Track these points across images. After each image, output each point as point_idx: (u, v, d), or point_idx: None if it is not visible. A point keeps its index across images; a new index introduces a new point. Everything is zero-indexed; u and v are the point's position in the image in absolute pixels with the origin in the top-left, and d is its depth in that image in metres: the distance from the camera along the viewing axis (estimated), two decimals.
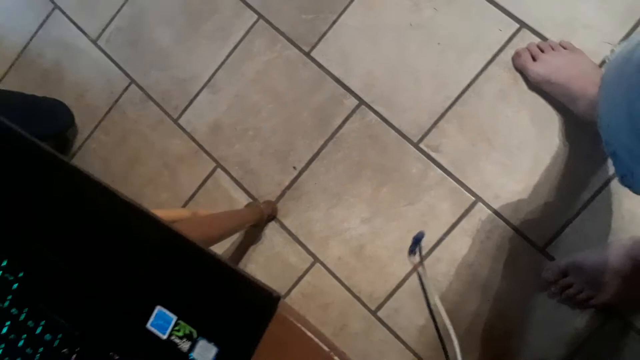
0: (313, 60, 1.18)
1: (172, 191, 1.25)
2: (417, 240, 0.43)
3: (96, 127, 1.33)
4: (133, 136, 1.29)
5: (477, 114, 1.08)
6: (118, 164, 1.30)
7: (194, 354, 0.41)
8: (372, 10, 1.15)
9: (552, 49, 1.02)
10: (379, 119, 1.13)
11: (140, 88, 1.30)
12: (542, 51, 1.03)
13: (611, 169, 1.00)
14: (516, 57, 1.06)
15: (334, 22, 1.17)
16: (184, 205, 1.24)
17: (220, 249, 1.20)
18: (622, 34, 1.01)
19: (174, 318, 0.42)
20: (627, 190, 0.97)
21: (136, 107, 1.30)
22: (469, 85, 1.09)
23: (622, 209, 0.98)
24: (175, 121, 1.27)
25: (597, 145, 1.00)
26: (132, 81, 1.31)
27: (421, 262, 0.44)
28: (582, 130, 1.01)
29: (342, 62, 1.16)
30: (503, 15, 1.07)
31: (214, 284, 0.43)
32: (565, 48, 1.02)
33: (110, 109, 1.32)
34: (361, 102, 1.14)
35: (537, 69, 1.01)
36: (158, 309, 0.43)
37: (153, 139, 1.28)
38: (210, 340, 0.41)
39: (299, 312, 0.42)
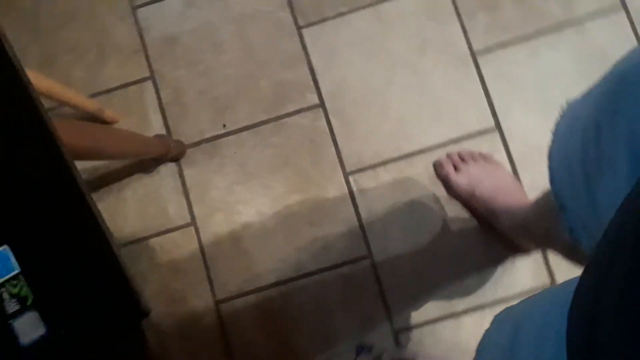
0: (301, 37, 1.10)
1: (91, 74, 1.11)
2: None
3: None
4: None
5: (412, 180, 1.06)
6: (50, 13, 1.13)
7: (15, 323, 0.33)
8: (382, 26, 1.09)
9: (473, 159, 1.02)
10: (328, 130, 1.07)
11: None
12: (463, 161, 1.02)
13: None
14: (439, 167, 1.04)
15: (341, 14, 1.10)
16: (97, 95, 1.10)
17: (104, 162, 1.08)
18: None
19: (17, 269, 0.34)
20: None
21: None
22: (422, 151, 1.06)
23: None
24: (133, 8, 1.13)
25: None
26: None
27: None
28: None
29: (326, 56, 1.10)
30: (487, 107, 1.06)
31: (85, 259, 0.35)
32: (485, 159, 1.03)
33: None
34: (322, 104, 1.08)
35: (460, 181, 1.01)
36: (3, 248, 0.35)
37: (100, 12, 1.13)
38: (43, 317, 0.33)
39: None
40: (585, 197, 0.54)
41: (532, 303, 0.54)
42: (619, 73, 0.47)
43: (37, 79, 0.86)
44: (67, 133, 0.71)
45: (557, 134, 0.62)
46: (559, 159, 0.61)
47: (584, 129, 0.53)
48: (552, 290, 0.50)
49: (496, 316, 0.59)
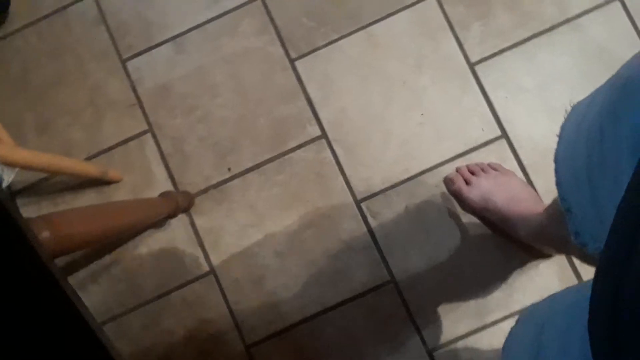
0: (294, 69, 1.09)
1: (89, 133, 1.10)
2: None
3: (31, 24, 1.13)
4: (68, 55, 1.12)
5: (425, 199, 1.05)
6: (39, 77, 1.12)
7: None
8: (375, 49, 1.08)
9: (483, 171, 1.01)
10: (333, 161, 1.06)
11: (98, 5, 1.13)
12: (473, 174, 1.01)
13: None
14: (449, 183, 1.02)
15: (333, 41, 1.08)
16: (98, 155, 1.09)
17: None
18: None
19: None
20: None
21: (85, 25, 1.13)
22: (431, 169, 1.05)
23: None
24: (123, 62, 1.11)
25: None
26: None
27: None
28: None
29: (322, 86, 1.08)
30: (490, 116, 1.05)
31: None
32: (495, 170, 1.01)
33: (55, 11, 1.13)
34: (324, 135, 1.07)
35: (472, 195, 0.98)
36: None
37: (90, 70, 1.11)
38: None
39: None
40: (589, 201, 0.54)
41: (555, 304, 0.53)
42: (623, 80, 0.46)
43: (34, 156, 0.85)
44: (77, 222, 0.70)
45: (562, 137, 0.62)
46: (565, 163, 0.61)
47: (588, 133, 0.52)
48: (575, 289, 0.49)
49: (520, 315, 0.60)
